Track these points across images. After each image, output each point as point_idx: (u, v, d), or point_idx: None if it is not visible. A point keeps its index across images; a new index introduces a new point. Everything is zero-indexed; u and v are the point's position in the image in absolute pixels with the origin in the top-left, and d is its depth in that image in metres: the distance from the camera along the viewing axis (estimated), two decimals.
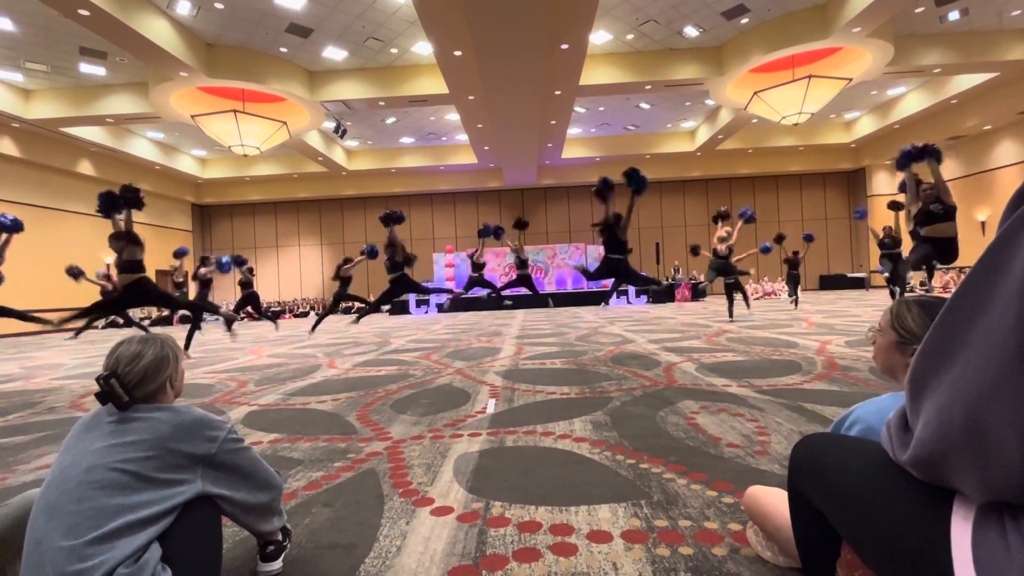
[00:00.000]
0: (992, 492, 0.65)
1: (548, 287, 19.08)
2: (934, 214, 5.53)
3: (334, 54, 12.15)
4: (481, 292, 13.40)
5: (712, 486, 1.78)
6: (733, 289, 8.91)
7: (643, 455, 2.13)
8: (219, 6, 10.02)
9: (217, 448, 1.18)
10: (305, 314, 19.92)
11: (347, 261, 9.22)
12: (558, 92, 12.84)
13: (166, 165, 18.22)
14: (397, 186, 21.67)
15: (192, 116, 12.95)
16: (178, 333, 10.08)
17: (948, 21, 11.90)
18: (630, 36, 12.04)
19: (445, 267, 19.20)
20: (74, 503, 1.01)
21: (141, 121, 14.24)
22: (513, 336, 7.56)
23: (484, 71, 10.77)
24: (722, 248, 8.62)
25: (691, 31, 11.96)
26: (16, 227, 6.13)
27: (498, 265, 19.11)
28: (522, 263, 10.36)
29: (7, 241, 6.18)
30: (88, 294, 11.45)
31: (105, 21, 8.97)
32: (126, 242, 5.45)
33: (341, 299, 9.26)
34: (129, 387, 1.16)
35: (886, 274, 8.79)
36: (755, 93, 13.11)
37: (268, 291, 22.84)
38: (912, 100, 16.34)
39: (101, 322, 14.48)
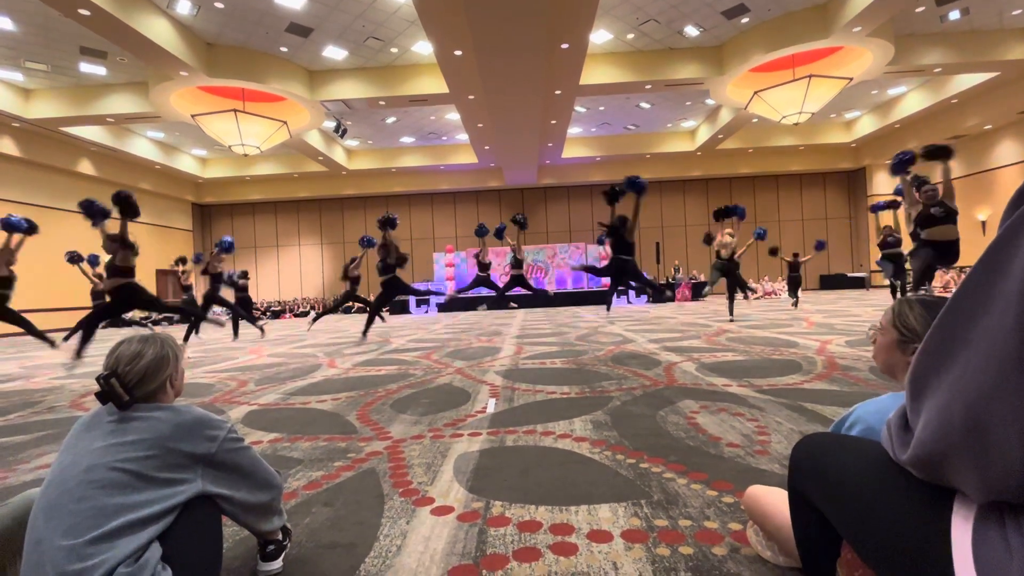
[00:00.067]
0: (992, 492, 0.65)
1: (548, 287, 19.06)
2: (935, 217, 5.46)
3: (334, 53, 12.14)
4: (485, 292, 13.39)
5: (712, 486, 1.78)
6: (735, 283, 8.94)
7: (643, 455, 2.13)
8: (219, 5, 10.02)
9: (217, 447, 1.19)
10: (305, 313, 19.92)
11: (352, 261, 9.24)
12: (558, 92, 12.83)
13: (166, 165, 18.21)
14: (397, 186, 21.66)
15: (192, 116, 12.94)
16: (178, 333, 10.10)
17: (948, 21, 11.88)
18: (630, 35, 12.03)
19: (445, 267, 19.21)
20: (74, 502, 1.01)
21: (141, 121, 14.23)
22: (513, 336, 7.57)
23: (484, 71, 10.76)
24: (725, 253, 8.76)
25: (691, 30, 11.95)
26: (31, 230, 6.17)
27: (498, 265, 19.11)
28: (517, 263, 10.37)
29: (20, 243, 6.23)
30: (85, 293, 11.50)
31: (105, 21, 8.96)
32: (120, 246, 5.47)
33: (350, 299, 9.25)
34: (129, 386, 1.16)
35: (887, 275, 8.80)
36: (755, 93, 13.10)
37: (268, 291, 22.85)
38: (912, 100, 16.33)
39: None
